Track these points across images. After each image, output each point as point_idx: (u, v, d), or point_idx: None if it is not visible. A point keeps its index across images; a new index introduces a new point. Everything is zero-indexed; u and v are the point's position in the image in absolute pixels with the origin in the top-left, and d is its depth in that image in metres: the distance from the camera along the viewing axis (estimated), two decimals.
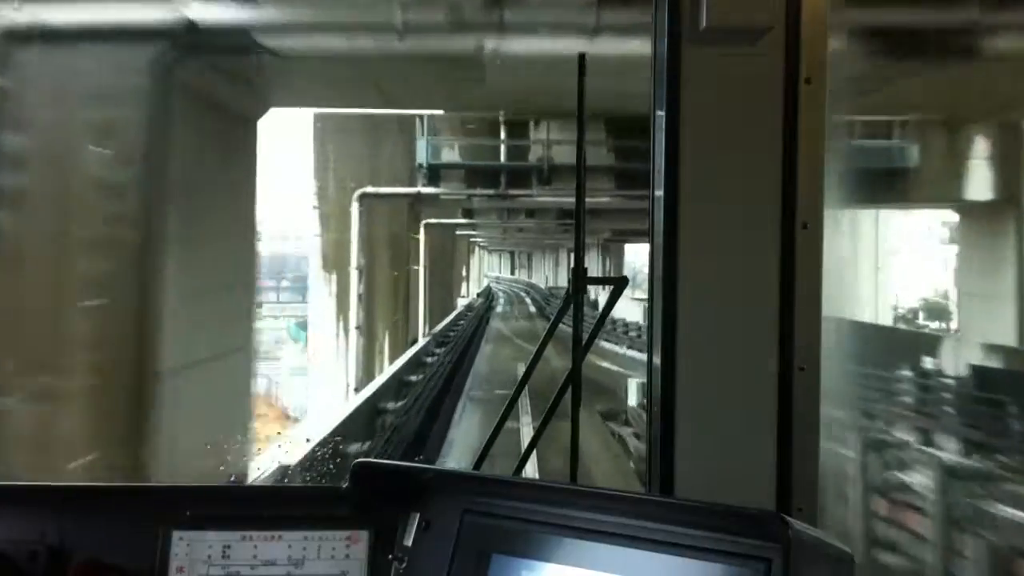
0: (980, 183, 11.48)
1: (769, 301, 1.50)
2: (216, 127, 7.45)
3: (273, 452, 6.86)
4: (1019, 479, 7.25)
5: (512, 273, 68.02)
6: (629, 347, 19.71)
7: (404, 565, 1.28)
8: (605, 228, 24.65)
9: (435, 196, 15.48)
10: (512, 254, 66.42)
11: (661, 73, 1.54)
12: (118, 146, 5.95)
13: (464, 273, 36.81)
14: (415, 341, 17.07)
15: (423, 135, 14.84)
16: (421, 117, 14.50)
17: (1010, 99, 9.27)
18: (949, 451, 8.22)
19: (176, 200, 6.35)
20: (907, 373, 10.35)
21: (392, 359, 14.68)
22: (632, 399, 13.02)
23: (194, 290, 6.58)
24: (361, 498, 1.33)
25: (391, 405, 11.04)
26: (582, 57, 1.62)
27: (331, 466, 6.73)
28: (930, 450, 8.10)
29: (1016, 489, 6.83)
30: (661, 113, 1.54)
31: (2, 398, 5.17)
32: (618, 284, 1.61)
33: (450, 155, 15.51)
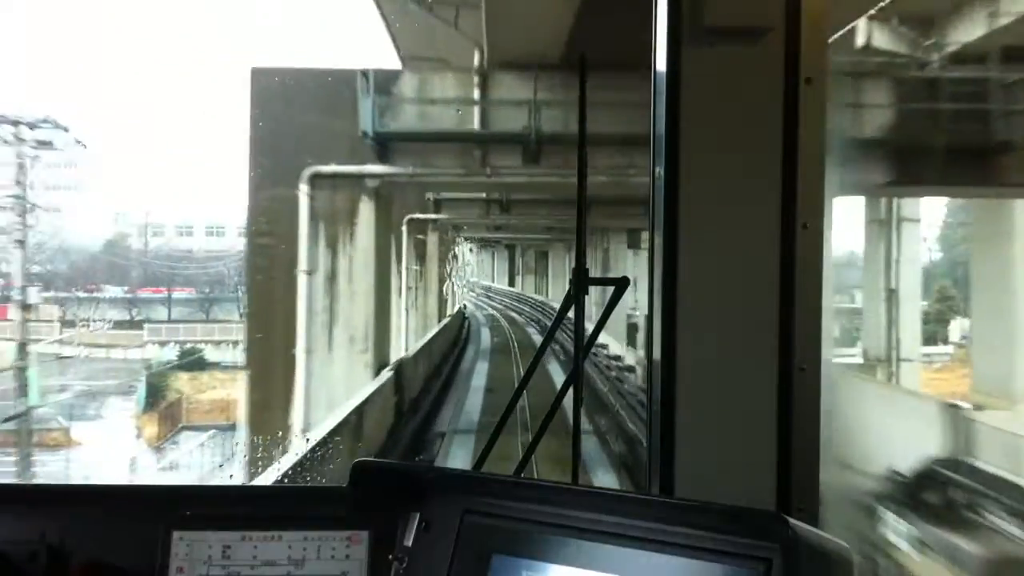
0: None
1: (769, 301, 1.50)
2: None
3: None
4: None
5: (511, 283, 43.44)
6: None
7: (404, 565, 1.28)
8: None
9: (398, 178, 11.78)
10: (511, 251, 43.04)
11: (661, 73, 1.54)
12: None
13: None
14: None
15: (368, 93, 10.97)
16: (365, 72, 11.04)
17: None
18: None
19: None
20: None
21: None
22: None
23: None
24: (361, 498, 1.33)
25: None
26: (583, 57, 1.62)
27: None
28: None
29: None
30: (661, 113, 1.54)
31: None
32: (619, 285, 1.60)
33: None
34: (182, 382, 22.93)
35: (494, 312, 37.20)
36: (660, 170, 1.54)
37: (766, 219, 1.50)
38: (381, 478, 1.36)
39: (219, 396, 22.20)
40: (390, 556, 1.29)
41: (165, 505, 1.35)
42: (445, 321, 24.07)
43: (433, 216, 20.00)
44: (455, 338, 24.70)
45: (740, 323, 1.51)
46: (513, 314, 35.81)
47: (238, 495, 1.47)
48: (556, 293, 34.85)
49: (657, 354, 1.55)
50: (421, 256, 20.73)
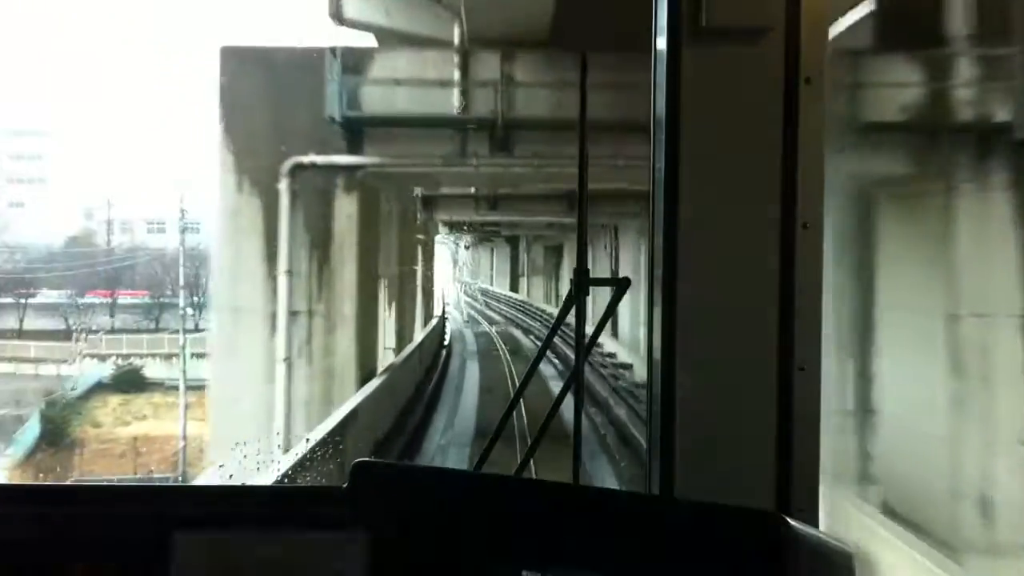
0: None
1: (769, 301, 1.50)
2: None
3: None
4: None
5: (513, 287, 34.60)
6: None
7: (404, 566, 1.28)
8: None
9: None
10: (513, 244, 33.85)
11: (661, 73, 1.54)
12: None
13: None
14: None
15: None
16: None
17: None
18: None
19: None
20: None
21: None
22: None
23: None
24: (361, 498, 1.33)
25: None
26: (583, 57, 1.62)
27: None
28: None
29: None
30: (661, 113, 1.54)
31: None
32: (620, 285, 1.60)
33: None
34: (103, 410, 18.02)
35: (489, 330, 26.25)
36: (660, 170, 1.54)
37: (766, 219, 1.50)
38: (381, 478, 1.36)
39: (145, 430, 17.50)
40: (390, 556, 1.30)
41: (165, 505, 1.35)
42: (375, 386, 10.74)
43: (351, 160, 9.80)
44: (398, 419, 12.64)
45: (740, 323, 1.51)
46: (516, 333, 25.00)
47: (238, 495, 1.47)
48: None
49: (657, 354, 1.55)
50: (323, 245, 10.03)
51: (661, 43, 1.54)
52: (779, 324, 1.49)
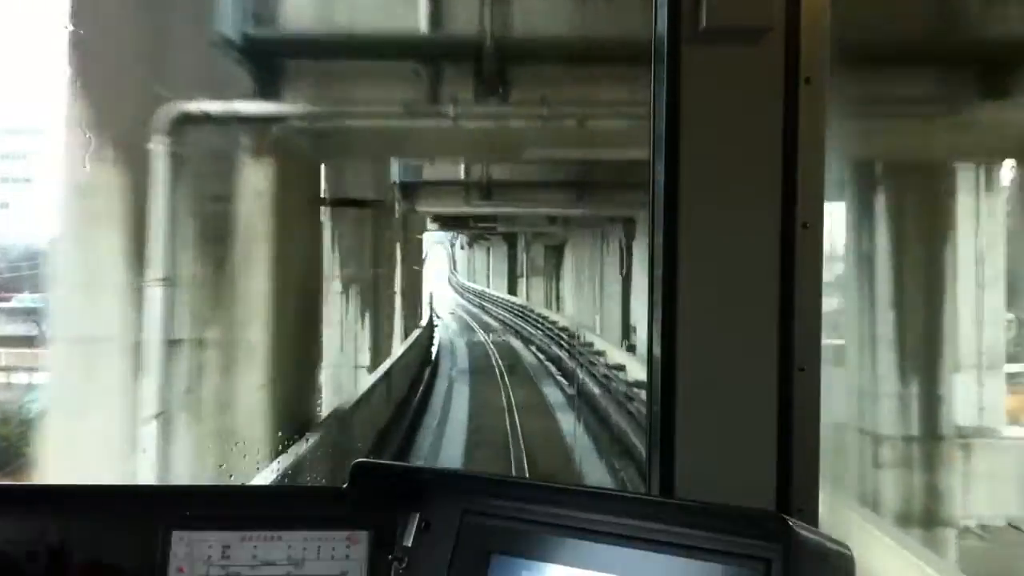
0: None
1: (769, 301, 1.50)
2: None
3: None
4: None
5: (511, 291, 31.49)
6: None
7: (404, 565, 1.29)
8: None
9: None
10: (511, 242, 30.36)
11: (660, 73, 1.54)
12: None
13: None
14: None
15: None
16: None
17: None
18: None
19: None
20: None
21: None
22: None
23: None
24: (361, 498, 1.34)
25: None
26: None
27: None
28: None
29: None
30: (661, 113, 1.54)
31: None
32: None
33: None
34: None
35: (485, 339, 23.48)
36: (659, 170, 1.54)
37: (766, 219, 1.50)
38: (381, 478, 1.36)
39: None
40: (390, 556, 1.30)
41: (165, 505, 1.35)
42: (297, 456, 6.62)
43: (263, 109, 6.33)
44: None
45: (740, 323, 1.51)
46: (515, 344, 22.05)
47: (238, 495, 1.47)
48: (580, 309, 20.17)
49: (657, 354, 1.55)
50: (223, 238, 6.35)
51: (660, 43, 1.54)
52: (779, 324, 1.49)
